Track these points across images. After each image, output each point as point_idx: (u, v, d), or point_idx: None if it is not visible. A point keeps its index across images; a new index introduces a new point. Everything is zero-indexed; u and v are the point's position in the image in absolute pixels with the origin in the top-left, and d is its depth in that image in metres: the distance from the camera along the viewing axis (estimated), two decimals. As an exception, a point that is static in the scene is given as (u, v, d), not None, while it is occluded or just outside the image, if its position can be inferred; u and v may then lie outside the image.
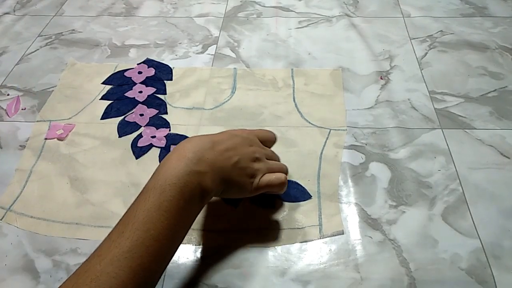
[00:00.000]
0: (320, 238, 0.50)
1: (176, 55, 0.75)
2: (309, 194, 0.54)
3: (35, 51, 0.77)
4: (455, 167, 0.56)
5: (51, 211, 0.53)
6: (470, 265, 0.47)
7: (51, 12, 0.87)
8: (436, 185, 0.54)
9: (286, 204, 0.53)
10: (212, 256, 0.48)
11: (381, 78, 0.69)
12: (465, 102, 0.65)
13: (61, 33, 0.81)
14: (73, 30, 0.82)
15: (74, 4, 0.89)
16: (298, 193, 0.54)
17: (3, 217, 0.53)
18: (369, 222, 0.51)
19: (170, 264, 0.47)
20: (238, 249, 0.49)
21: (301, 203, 0.53)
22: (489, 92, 0.66)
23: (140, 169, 0.57)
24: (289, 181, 0.55)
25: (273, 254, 0.48)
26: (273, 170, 0.48)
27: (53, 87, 0.69)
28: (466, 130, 0.60)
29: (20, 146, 0.61)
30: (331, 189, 0.54)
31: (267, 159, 0.49)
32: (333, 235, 0.50)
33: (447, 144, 0.59)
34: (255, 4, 0.86)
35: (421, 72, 0.70)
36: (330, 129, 0.61)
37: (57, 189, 0.55)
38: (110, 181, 0.56)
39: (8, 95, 0.68)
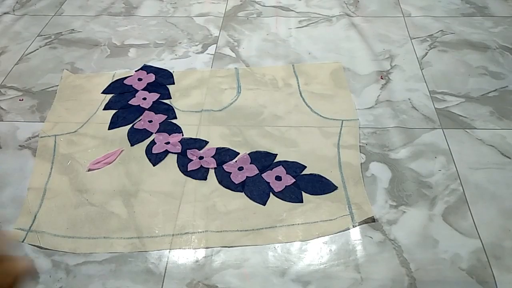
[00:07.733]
0: (354, 227, 0.50)
1: (176, 54, 0.75)
2: (335, 185, 0.54)
3: (35, 50, 0.77)
4: (456, 167, 0.56)
5: (74, 227, 0.51)
6: (470, 265, 0.46)
7: (50, 11, 0.86)
8: (437, 185, 0.54)
9: (313, 197, 0.53)
10: (212, 256, 0.48)
11: (382, 78, 0.69)
12: (466, 102, 0.64)
13: (61, 32, 0.81)
14: (73, 29, 0.82)
15: (73, 4, 0.88)
16: (323, 186, 0.54)
17: (25, 238, 0.50)
18: (370, 222, 0.51)
19: (170, 264, 0.47)
20: (238, 249, 0.49)
21: (328, 195, 0.53)
22: (489, 92, 0.66)
23: (162, 177, 0.56)
24: (312, 174, 0.55)
25: (273, 254, 0.48)
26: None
27: (52, 87, 0.69)
28: (467, 130, 0.60)
29: (20, 146, 0.60)
30: (354, 177, 0.54)
31: None
32: (366, 223, 0.50)
33: (448, 144, 0.59)
34: (255, 4, 0.86)
35: (422, 72, 0.70)
36: (343, 120, 0.62)
37: (76, 205, 0.53)
38: (124, 190, 0.55)
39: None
